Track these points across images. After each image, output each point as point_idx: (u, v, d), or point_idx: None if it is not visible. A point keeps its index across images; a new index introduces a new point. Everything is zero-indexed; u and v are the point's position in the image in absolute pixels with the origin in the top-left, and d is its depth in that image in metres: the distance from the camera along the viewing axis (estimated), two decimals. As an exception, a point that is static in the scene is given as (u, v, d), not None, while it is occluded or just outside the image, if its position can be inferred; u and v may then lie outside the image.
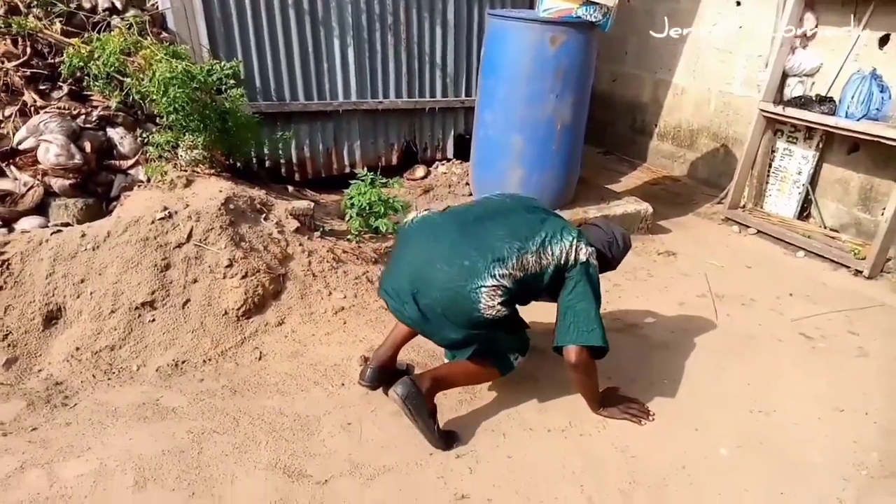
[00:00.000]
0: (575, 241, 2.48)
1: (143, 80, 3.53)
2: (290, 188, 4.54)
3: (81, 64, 3.56)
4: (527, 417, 2.72)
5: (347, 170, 4.88)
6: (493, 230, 2.43)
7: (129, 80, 3.70)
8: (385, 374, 2.74)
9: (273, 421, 2.60)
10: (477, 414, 2.73)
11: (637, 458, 2.53)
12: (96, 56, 3.60)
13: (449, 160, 5.16)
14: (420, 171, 5.09)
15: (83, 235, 3.17)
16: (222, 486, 2.27)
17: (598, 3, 4.07)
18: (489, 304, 2.30)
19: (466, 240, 2.39)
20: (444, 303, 2.33)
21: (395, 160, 5.03)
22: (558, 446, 2.57)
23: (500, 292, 2.31)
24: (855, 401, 2.92)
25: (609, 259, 2.73)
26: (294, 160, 4.73)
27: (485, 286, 2.30)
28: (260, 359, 3.01)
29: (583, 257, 2.47)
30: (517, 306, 2.53)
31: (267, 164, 4.61)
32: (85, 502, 2.18)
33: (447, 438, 2.52)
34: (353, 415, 2.67)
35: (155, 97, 3.47)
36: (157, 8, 4.48)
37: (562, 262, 2.45)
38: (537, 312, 2.85)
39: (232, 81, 3.77)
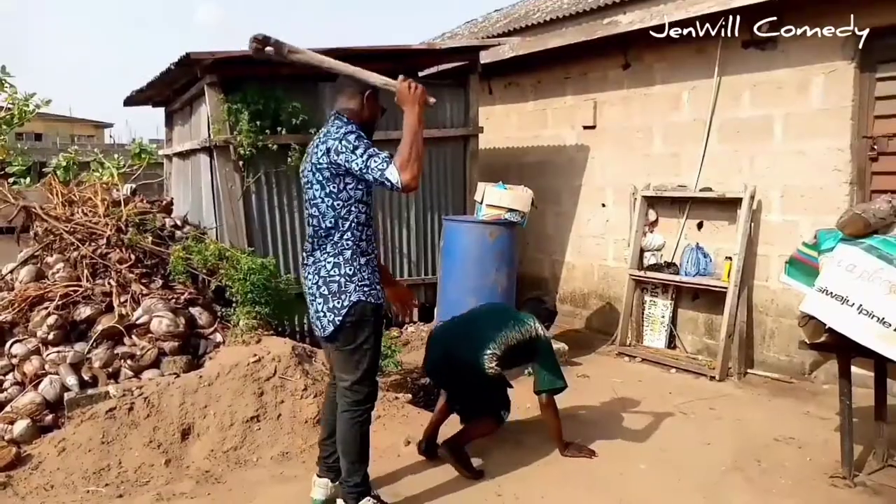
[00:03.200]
0: (534, 321, 4.30)
1: (228, 272, 5.13)
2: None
3: (181, 263, 5.12)
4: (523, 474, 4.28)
5: (343, 333, 6.47)
6: (484, 324, 4.24)
7: (202, 273, 5.27)
8: (433, 444, 4.28)
9: (365, 476, 4.00)
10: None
11: (597, 476, 4.13)
12: (189, 258, 5.18)
13: (415, 322, 6.87)
14: (394, 332, 6.74)
15: (200, 377, 4.58)
16: None
17: (517, 210, 6.19)
18: (489, 365, 4.04)
19: (471, 332, 4.20)
20: (465, 366, 4.06)
21: (376, 325, 6.67)
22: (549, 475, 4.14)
23: (494, 358, 4.06)
24: (716, 439, 4.69)
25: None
26: (307, 326, 6.29)
27: (485, 354, 4.05)
28: (337, 448, 4.41)
29: (541, 331, 4.30)
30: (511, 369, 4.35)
31: (288, 329, 6.15)
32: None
33: (477, 472, 4.06)
34: (412, 471, 4.12)
35: (238, 283, 5.05)
36: (202, 225, 6.19)
37: (532, 334, 4.23)
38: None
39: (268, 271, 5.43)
